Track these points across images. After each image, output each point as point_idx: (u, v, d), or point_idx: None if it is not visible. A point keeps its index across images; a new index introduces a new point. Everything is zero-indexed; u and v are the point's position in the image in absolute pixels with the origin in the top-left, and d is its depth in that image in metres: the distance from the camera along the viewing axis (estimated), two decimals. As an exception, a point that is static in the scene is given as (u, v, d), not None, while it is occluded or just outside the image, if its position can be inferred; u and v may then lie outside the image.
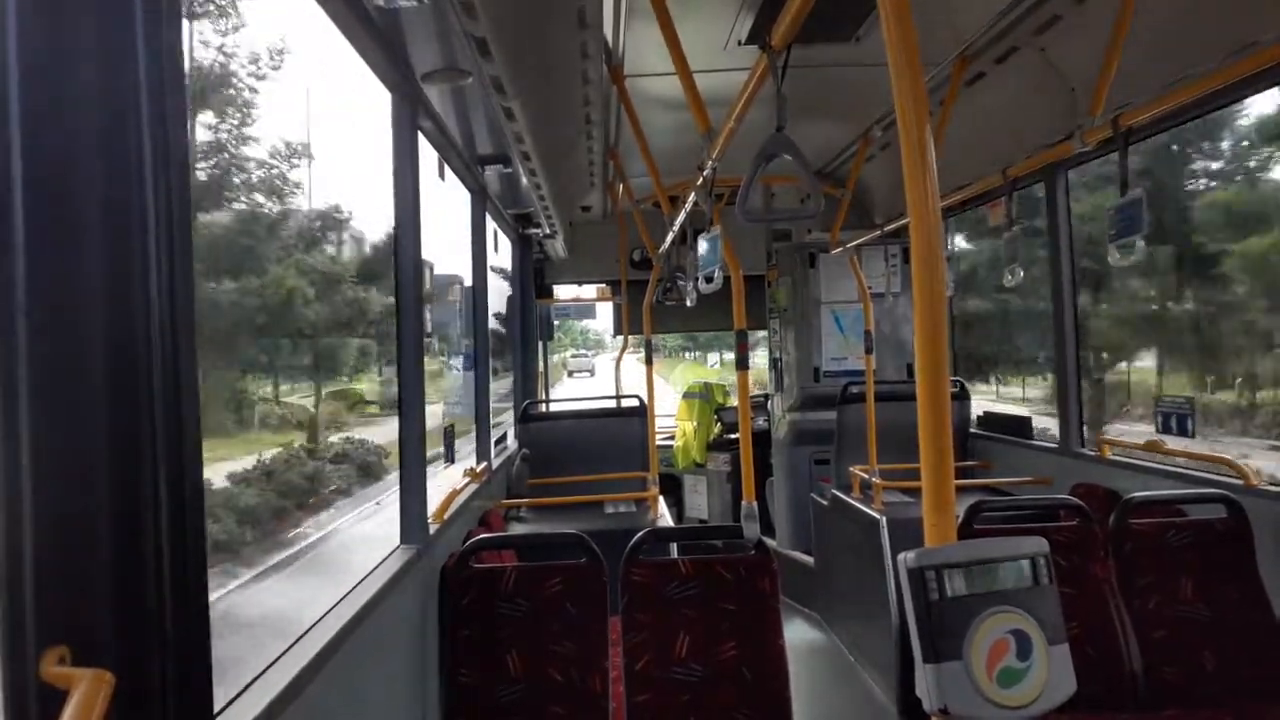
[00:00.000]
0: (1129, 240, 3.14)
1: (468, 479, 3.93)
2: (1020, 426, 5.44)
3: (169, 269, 1.13)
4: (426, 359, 3.14)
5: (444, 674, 2.95)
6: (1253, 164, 10.14)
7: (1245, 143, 10.09)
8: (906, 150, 1.19)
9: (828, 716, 4.42)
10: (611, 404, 6.19)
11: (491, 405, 4.97)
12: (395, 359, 2.99)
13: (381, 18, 2.34)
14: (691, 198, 3.69)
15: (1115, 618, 3.20)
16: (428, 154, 3.45)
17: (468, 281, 5.06)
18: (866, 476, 4.81)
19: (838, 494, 5.21)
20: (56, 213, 1.05)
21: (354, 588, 2.34)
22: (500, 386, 7.46)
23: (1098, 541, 3.29)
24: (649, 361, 5.69)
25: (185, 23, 1.23)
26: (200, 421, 1.20)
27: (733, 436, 7.72)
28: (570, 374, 43.30)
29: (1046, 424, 5.42)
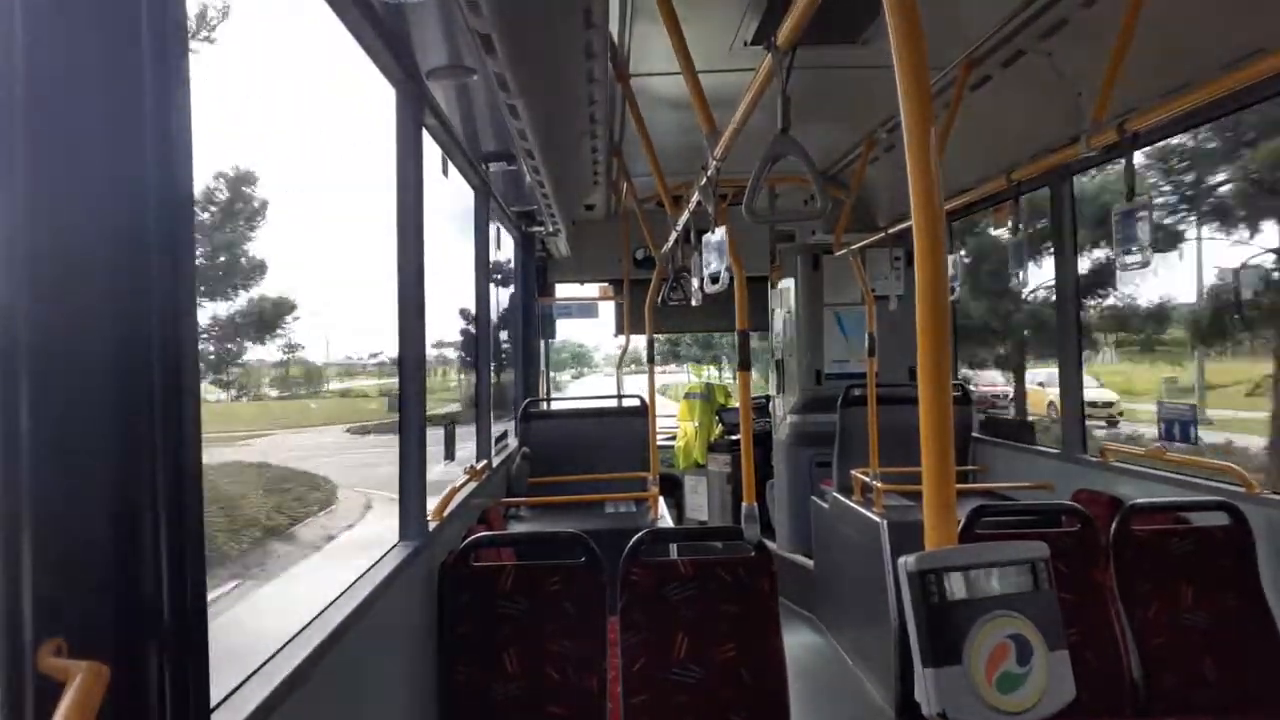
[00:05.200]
0: (1133, 248, 3.14)
1: (467, 477, 3.93)
2: (1022, 431, 5.43)
3: (171, 267, 1.13)
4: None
5: (441, 672, 2.95)
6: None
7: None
8: (911, 153, 1.19)
9: None
10: (613, 403, 6.19)
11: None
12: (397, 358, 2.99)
13: (386, 14, 2.34)
14: (695, 198, 3.69)
15: (1116, 624, 3.19)
16: (431, 150, 3.45)
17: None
18: (867, 479, 4.80)
19: (838, 497, 5.20)
20: (58, 212, 1.04)
21: (352, 584, 2.33)
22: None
23: (1099, 547, 3.28)
24: (650, 360, 5.70)
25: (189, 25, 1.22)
26: (200, 412, 1.20)
27: (734, 437, 7.72)
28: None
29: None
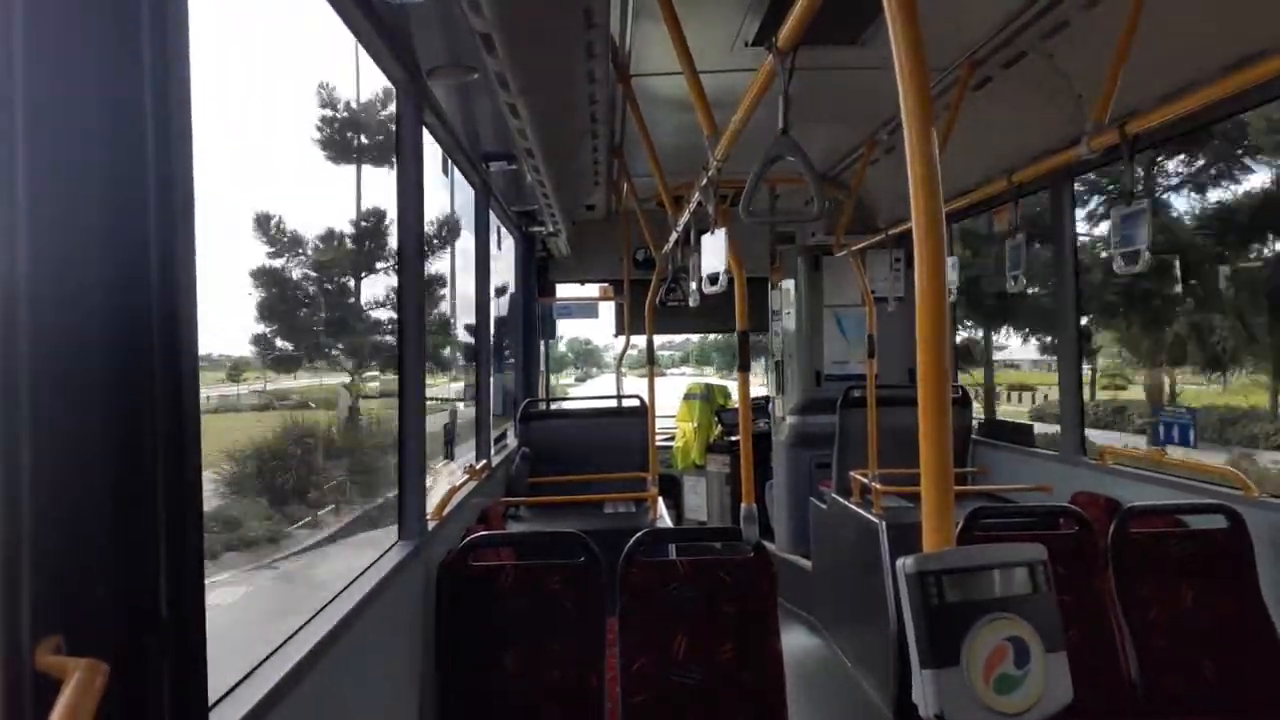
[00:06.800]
0: (1132, 250, 3.13)
1: (467, 476, 3.93)
2: (1021, 434, 5.44)
3: (172, 265, 1.13)
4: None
5: (440, 672, 2.95)
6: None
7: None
8: (911, 154, 1.19)
9: None
10: (612, 404, 6.19)
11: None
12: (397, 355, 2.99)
13: (387, 13, 2.35)
14: (696, 198, 3.69)
15: (1114, 626, 3.19)
16: (432, 149, 3.45)
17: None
18: (866, 481, 4.80)
19: (837, 498, 5.20)
20: (57, 212, 1.04)
21: (351, 583, 2.33)
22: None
23: (1097, 550, 3.29)
24: (650, 360, 5.70)
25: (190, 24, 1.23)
26: (200, 410, 1.20)
27: (733, 438, 7.71)
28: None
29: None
